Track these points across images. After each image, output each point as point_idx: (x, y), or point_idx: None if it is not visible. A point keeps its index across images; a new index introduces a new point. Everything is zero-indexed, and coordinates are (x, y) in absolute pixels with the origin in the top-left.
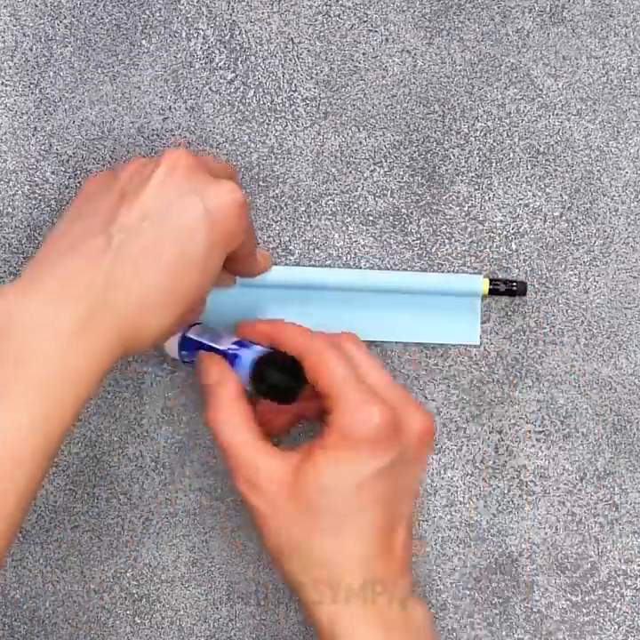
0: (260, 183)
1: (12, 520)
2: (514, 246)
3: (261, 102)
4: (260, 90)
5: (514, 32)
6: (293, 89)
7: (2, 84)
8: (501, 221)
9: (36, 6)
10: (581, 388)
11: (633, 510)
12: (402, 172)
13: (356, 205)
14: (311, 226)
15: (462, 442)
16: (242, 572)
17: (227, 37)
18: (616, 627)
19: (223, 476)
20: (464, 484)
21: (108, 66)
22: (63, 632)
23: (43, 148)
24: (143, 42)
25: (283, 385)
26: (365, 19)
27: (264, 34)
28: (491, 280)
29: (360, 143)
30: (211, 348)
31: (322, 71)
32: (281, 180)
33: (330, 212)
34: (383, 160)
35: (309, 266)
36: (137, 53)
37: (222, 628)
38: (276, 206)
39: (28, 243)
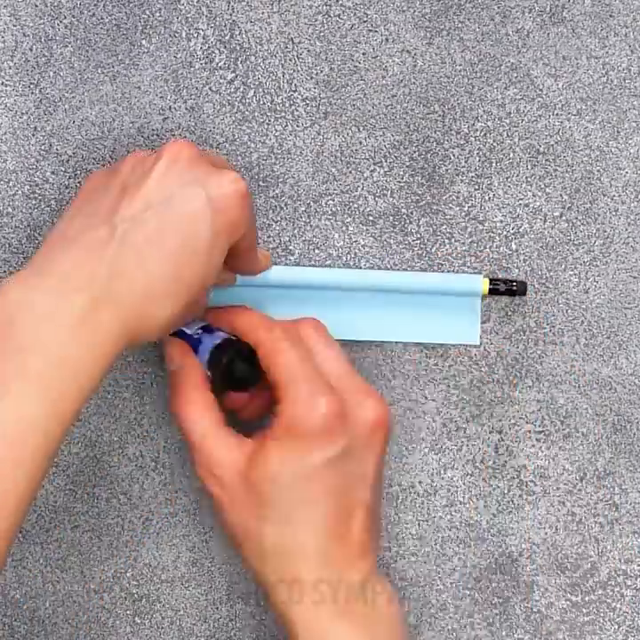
0: (260, 183)
1: (13, 520)
2: (514, 246)
3: (261, 102)
4: (260, 90)
5: (514, 32)
6: (293, 89)
7: (2, 84)
8: (501, 221)
9: (36, 6)
10: (581, 387)
11: (633, 510)
12: (402, 172)
13: (355, 205)
14: (311, 226)
15: (462, 442)
16: (242, 572)
17: (227, 37)
18: (616, 627)
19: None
20: (464, 483)
21: (107, 66)
22: (63, 632)
23: (43, 148)
24: (143, 42)
25: (238, 373)
26: (365, 19)
27: (264, 34)
28: (491, 280)
29: (360, 143)
30: (180, 331)
31: (322, 71)
32: (281, 180)
33: (330, 212)
34: (383, 160)
35: (309, 266)
36: (137, 53)
37: (222, 628)
38: (275, 206)
39: (27, 243)
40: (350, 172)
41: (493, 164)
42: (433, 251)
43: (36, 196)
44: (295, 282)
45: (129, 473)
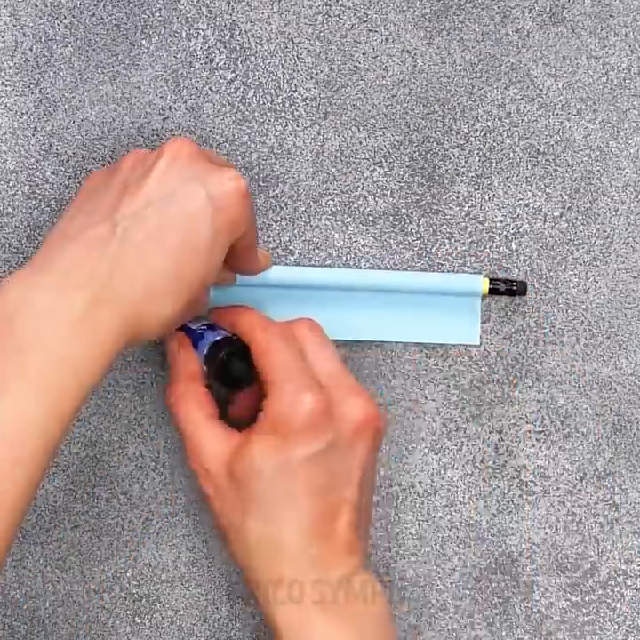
0: (260, 183)
1: (12, 520)
2: (514, 246)
3: (261, 102)
4: (260, 90)
5: (514, 32)
6: (293, 89)
7: (2, 84)
8: (501, 221)
9: (36, 6)
10: (581, 388)
11: (633, 510)
12: (402, 172)
13: (356, 205)
14: (311, 226)
15: (462, 442)
16: (242, 572)
17: (227, 37)
18: (616, 627)
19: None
20: (464, 483)
21: (107, 66)
22: (63, 632)
23: (43, 148)
24: (143, 42)
25: (233, 371)
26: (365, 19)
27: (264, 34)
28: (491, 280)
29: (360, 143)
30: (185, 326)
31: (322, 71)
32: (281, 180)
33: (330, 212)
34: (383, 160)
35: (309, 266)
36: (137, 53)
37: (222, 628)
38: (275, 206)
39: (28, 243)
40: (350, 172)
41: (493, 164)
42: (433, 251)
43: (36, 196)
44: (295, 282)
45: (129, 473)
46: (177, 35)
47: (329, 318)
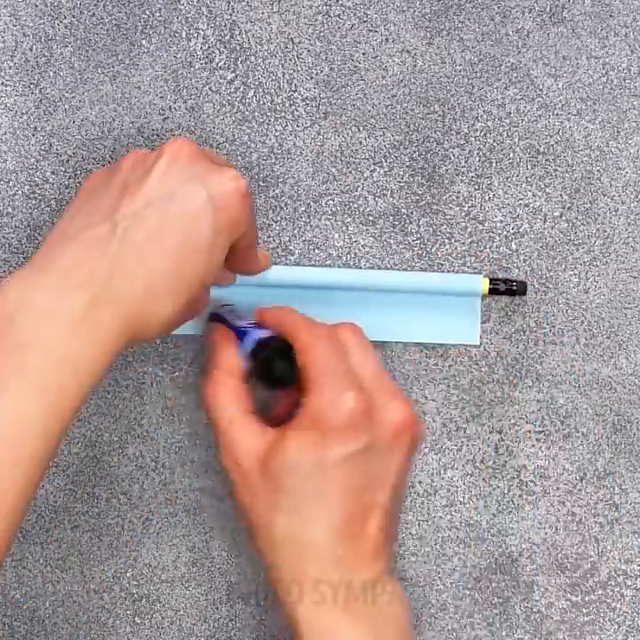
0: (260, 183)
1: (11, 519)
2: (514, 246)
3: (261, 102)
4: (260, 90)
5: (514, 32)
6: (293, 89)
7: (2, 83)
8: (501, 221)
9: (36, 6)
10: (581, 387)
11: (633, 510)
12: (402, 172)
13: (356, 205)
14: (311, 226)
15: (462, 442)
16: (242, 572)
17: (227, 37)
18: (616, 627)
19: (223, 476)
20: (464, 483)
21: (107, 66)
22: (63, 632)
23: (43, 148)
24: (143, 42)
25: (276, 370)
26: (365, 19)
27: (264, 34)
28: (491, 280)
29: (360, 143)
30: (228, 324)
31: (322, 71)
32: (281, 180)
33: (330, 212)
34: (383, 160)
35: (309, 266)
36: (137, 53)
37: (222, 628)
38: (276, 206)
39: (27, 243)
40: (350, 172)
41: (493, 164)
42: (433, 251)
43: (36, 195)
44: (295, 282)
45: (129, 473)
46: (177, 35)
47: (329, 318)
